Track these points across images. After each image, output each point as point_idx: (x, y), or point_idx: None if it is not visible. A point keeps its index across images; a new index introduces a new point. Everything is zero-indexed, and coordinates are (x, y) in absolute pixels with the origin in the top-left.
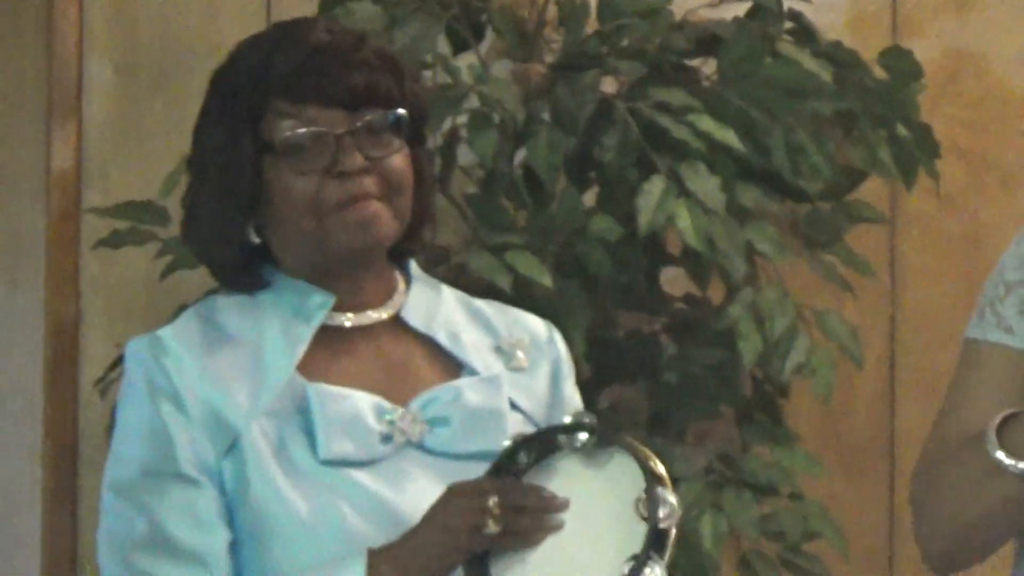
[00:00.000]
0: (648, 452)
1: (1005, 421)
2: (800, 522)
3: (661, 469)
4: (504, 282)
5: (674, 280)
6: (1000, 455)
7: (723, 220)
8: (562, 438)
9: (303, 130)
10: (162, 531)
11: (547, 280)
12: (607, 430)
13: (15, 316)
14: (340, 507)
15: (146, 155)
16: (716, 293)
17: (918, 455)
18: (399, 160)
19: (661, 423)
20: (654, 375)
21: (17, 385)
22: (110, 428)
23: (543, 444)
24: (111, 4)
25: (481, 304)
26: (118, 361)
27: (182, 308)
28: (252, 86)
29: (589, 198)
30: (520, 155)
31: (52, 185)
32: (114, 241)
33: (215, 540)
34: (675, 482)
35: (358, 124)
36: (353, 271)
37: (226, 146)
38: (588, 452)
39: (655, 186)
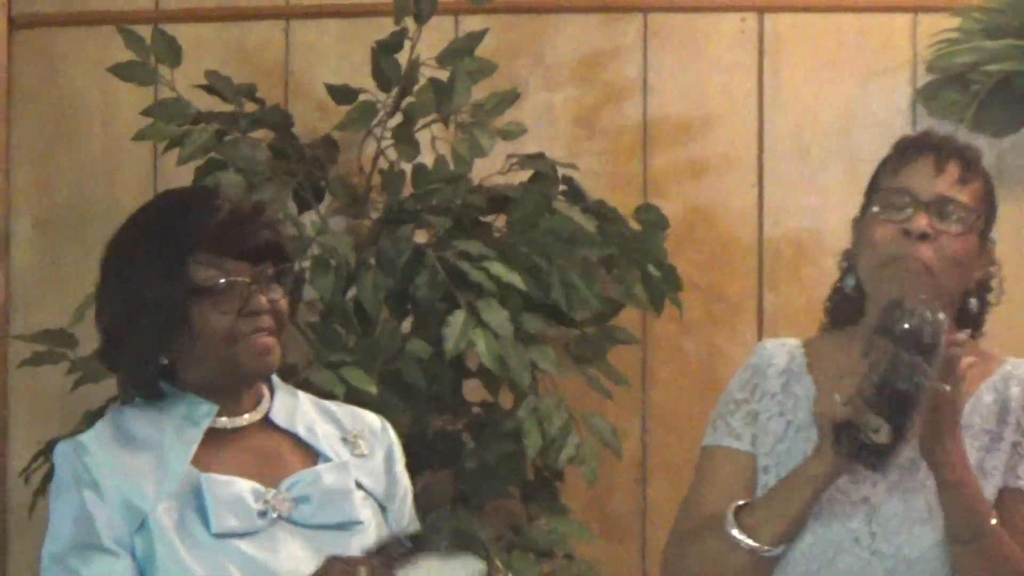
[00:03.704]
0: (495, 559)
1: (740, 508)
2: None
3: (503, 569)
4: (339, 392)
5: (473, 389)
6: (736, 533)
7: (511, 344)
8: (433, 539)
9: (224, 280)
10: None
11: (373, 390)
12: (467, 536)
13: None
14: (229, 570)
15: (60, 292)
16: (506, 400)
17: (665, 529)
18: (285, 303)
19: (464, 502)
20: (457, 464)
21: None
22: (32, 508)
23: (417, 542)
24: (32, 171)
25: (328, 403)
26: (39, 454)
27: (88, 412)
28: (175, 240)
29: (406, 326)
30: (352, 292)
31: None
32: (35, 361)
33: None
34: None
35: (264, 274)
36: (243, 387)
37: (160, 289)
38: (447, 552)
39: (458, 317)
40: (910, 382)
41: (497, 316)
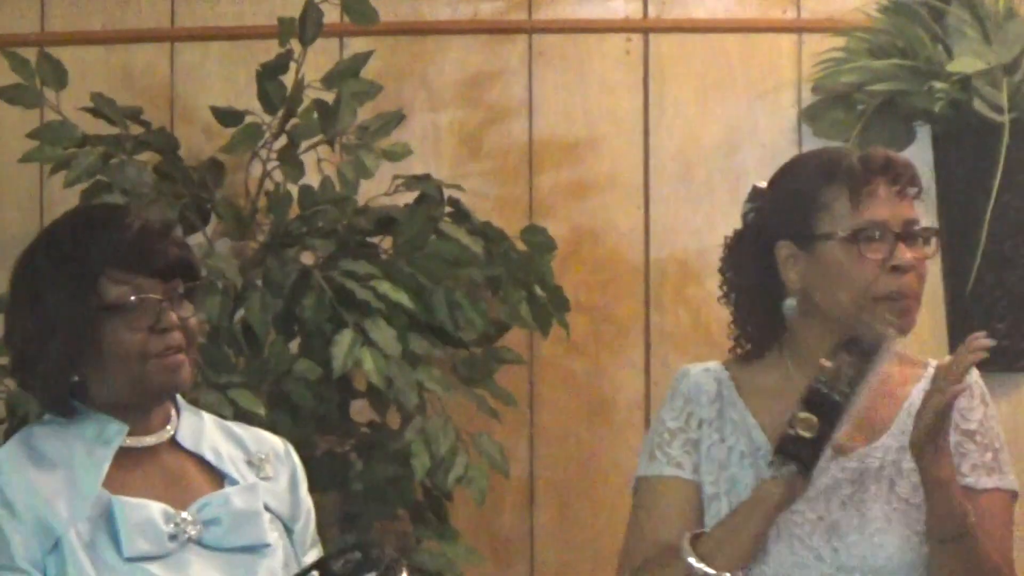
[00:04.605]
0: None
1: (695, 536)
2: None
3: None
4: (228, 413)
5: (360, 410)
6: (693, 561)
7: (398, 363)
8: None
9: (135, 297)
10: None
11: (261, 411)
12: (390, 565)
13: None
14: None
15: None
16: (393, 420)
17: (553, 549)
18: (195, 320)
19: (351, 523)
20: (345, 485)
21: None
22: None
23: (325, 567)
24: None
25: (232, 425)
26: None
27: None
28: (86, 258)
29: (294, 347)
30: (239, 313)
31: None
32: None
33: None
34: None
35: (175, 291)
36: (153, 404)
37: (70, 306)
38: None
39: (345, 337)
40: (846, 390)
41: (384, 335)
